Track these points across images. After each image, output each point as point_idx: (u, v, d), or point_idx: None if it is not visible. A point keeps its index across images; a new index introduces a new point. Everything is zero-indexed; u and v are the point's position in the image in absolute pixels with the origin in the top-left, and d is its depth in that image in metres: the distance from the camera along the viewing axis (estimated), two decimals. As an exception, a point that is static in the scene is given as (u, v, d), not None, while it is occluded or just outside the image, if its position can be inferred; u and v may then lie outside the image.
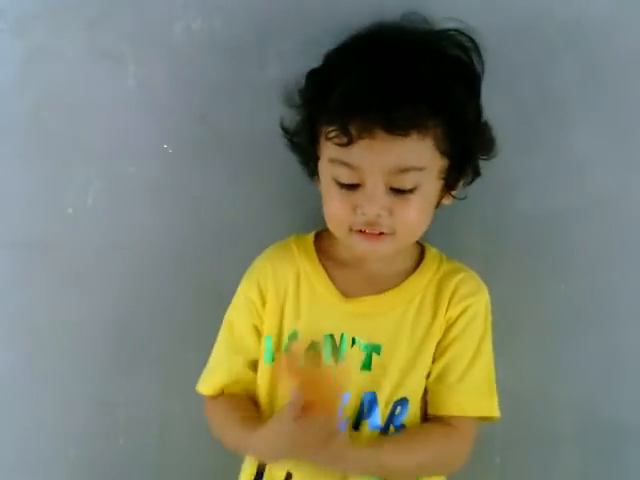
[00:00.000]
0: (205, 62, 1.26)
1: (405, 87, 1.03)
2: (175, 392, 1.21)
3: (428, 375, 1.13)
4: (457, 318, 1.12)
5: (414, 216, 1.07)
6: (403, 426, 1.11)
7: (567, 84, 1.23)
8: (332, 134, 1.05)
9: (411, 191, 1.06)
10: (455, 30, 1.12)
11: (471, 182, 1.16)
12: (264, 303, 1.16)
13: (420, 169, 1.05)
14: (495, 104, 1.18)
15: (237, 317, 1.17)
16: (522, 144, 1.25)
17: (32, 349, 1.33)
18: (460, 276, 1.14)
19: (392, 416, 1.11)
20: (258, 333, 1.16)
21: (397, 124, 1.01)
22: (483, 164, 1.16)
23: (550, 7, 1.22)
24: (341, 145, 1.04)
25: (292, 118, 1.15)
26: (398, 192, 1.05)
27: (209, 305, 1.21)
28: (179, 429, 1.28)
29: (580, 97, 1.23)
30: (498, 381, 1.15)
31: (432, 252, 1.18)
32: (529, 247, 1.28)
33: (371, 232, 1.07)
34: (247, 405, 1.15)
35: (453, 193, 1.14)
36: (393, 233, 1.07)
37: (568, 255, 1.28)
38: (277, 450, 1.04)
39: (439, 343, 1.12)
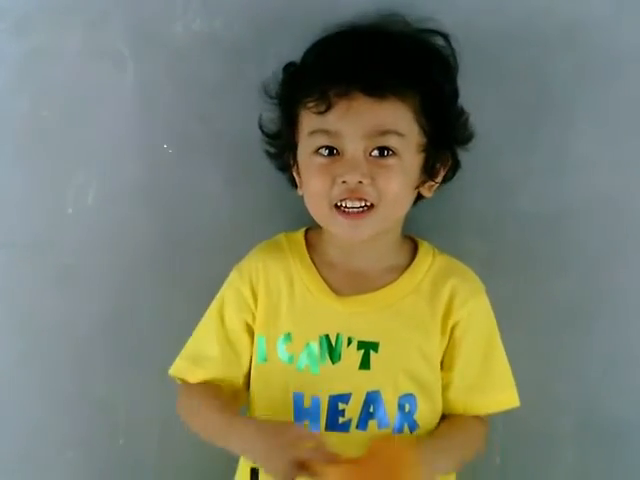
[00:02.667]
0: (205, 62, 1.26)
1: (385, 58, 1.06)
2: (175, 392, 1.21)
3: (438, 375, 1.13)
4: (465, 323, 1.12)
5: (395, 187, 1.07)
6: (417, 424, 1.11)
7: (567, 84, 1.24)
8: (311, 104, 1.06)
9: (391, 157, 1.06)
10: (430, 30, 1.13)
11: (452, 176, 1.16)
12: (256, 301, 1.15)
13: (399, 135, 1.06)
14: (495, 104, 1.19)
15: (228, 311, 1.16)
16: (522, 144, 1.25)
17: (32, 349, 1.33)
18: (456, 275, 1.14)
19: (403, 414, 1.11)
20: (250, 330, 1.15)
21: (376, 86, 1.04)
22: (483, 164, 1.17)
23: (549, 7, 1.22)
24: (320, 113, 1.06)
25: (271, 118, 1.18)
26: (378, 158, 1.06)
27: (208, 305, 1.21)
28: (179, 429, 1.27)
29: (580, 97, 1.24)
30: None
31: (425, 247, 1.17)
32: (529, 247, 1.28)
33: (352, 208, 1.06)
34: (224, 394, 1.14)
35: (436, 181, 1.13)
36: (376, 204, 1.07)
37: (568, 255, 1.28)
38: (271, 462, 1.01)
39: (450, 348, 1.13)
